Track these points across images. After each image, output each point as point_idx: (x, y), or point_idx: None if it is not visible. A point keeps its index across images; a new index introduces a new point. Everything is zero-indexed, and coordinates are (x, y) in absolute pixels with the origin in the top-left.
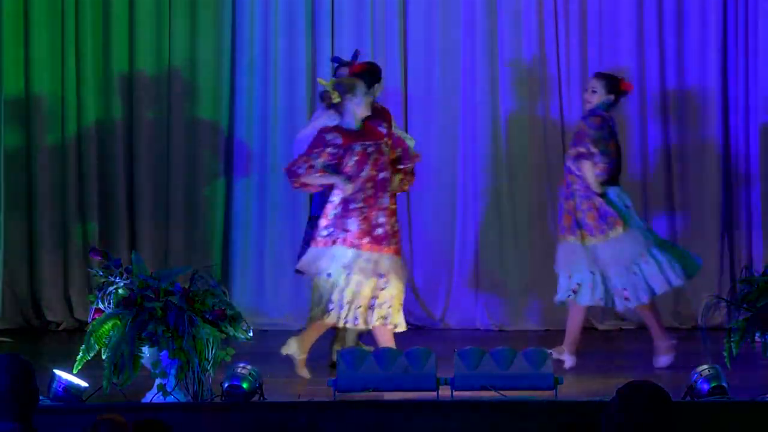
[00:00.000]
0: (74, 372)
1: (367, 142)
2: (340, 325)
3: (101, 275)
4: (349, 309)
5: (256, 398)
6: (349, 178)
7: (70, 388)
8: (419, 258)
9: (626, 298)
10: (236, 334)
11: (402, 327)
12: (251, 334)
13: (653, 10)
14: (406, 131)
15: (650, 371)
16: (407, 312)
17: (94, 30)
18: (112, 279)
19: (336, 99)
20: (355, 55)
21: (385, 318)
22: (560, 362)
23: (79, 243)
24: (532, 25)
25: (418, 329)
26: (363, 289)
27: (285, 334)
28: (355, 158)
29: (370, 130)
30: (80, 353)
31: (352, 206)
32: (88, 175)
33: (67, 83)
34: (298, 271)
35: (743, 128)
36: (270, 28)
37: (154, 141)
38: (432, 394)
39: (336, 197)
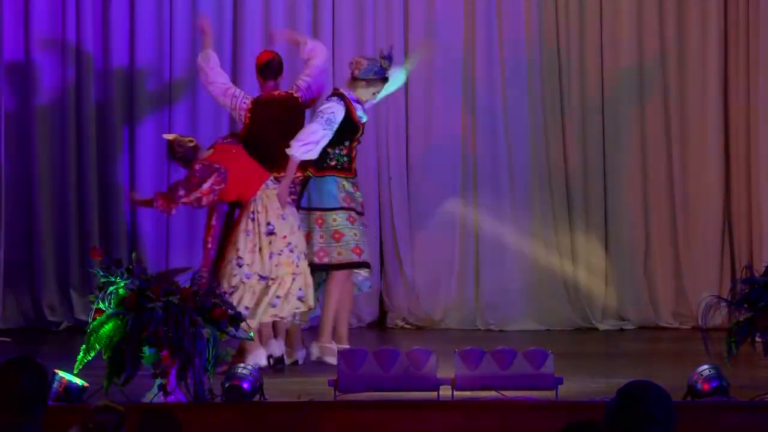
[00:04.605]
0: (74, 372)
1: None
2: None
3: (101, 275)
4: None
5: (256, 398)
6: None
7: (70, 388)
8: (419, 258)
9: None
10: (236, 334)
11: None
12: (252, 334)
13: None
14: (407, 132)
15: (650, 371)
16: (408, 312)
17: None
18: (113, 279)
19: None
20: None
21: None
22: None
23: (79, 243)
24: (533, 26)
25: (418, 329)
26: None
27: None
28: None
29: None
30: (80, 353)
31: None
32: (88, 176)
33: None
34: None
35: (744, 124)
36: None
37: (155, 140)
38: (432, 394)
39: None
